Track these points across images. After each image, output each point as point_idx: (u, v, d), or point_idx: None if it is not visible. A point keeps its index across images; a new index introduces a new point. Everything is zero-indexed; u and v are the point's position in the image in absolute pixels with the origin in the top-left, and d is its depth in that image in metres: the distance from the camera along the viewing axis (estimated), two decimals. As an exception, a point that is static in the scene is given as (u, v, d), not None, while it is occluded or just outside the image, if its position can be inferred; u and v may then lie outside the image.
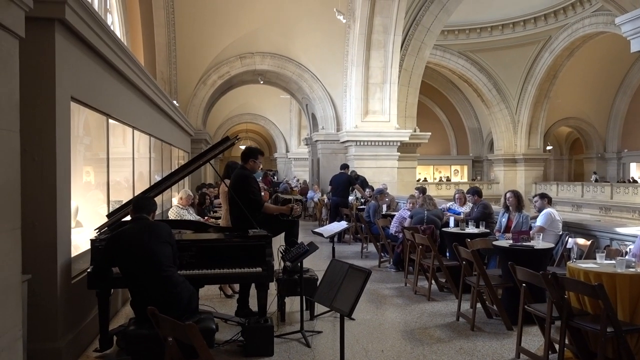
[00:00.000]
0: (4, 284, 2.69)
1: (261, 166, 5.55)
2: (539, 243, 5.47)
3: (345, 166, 12.41)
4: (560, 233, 6.19)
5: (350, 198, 12.61)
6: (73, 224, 4.73)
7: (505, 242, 5.67)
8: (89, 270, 4.20)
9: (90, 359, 4.31)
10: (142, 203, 4.04)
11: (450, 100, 32.06)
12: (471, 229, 6.94)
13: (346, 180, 11.95)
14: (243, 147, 6.09)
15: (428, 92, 29.68)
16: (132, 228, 3.83)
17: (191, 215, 7.29)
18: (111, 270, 4.03)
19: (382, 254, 8.94)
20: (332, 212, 12.11)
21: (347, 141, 15.39)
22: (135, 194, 5.67)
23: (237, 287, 6.51)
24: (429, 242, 6.45)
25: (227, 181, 6.34)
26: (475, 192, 8.00)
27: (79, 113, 5.07)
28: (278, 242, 5.03)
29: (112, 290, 4.35)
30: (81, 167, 5.71)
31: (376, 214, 9.66)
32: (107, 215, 4.85)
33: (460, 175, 33.45)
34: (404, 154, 15.41)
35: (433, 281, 6.57)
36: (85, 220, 5.39)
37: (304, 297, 5.08)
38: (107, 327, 4.31)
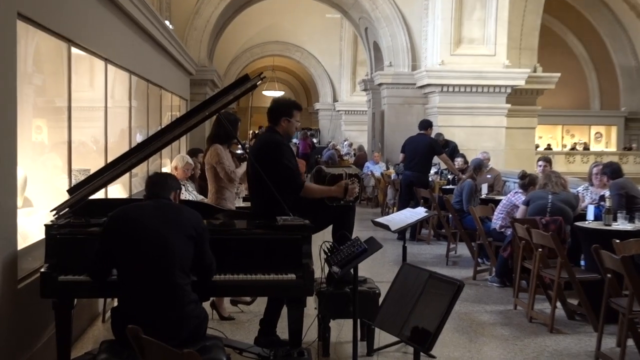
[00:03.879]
0: None
1: (298, 125, 5.51)
2: None
3: (426, 124, 12.21)
4: None
5: (432, 173, 12.52)
6: (19, 201, 4.88)
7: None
8: (42, 270, 4.31)
9: (44, 400, 4.49)
10: (159, 179, 4.20)
11: (593, 24, 31.14)
12: (621, 224, 6.78)
13: (427, 146, 11.77)
14: (267, 94, 6.05)
15: (557, 10, 28.85)
16: (146, 206, 3.99)
17: (190, 194, 7.39)
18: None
19: (480, 260, 8.92)
20: (404, 193, 12.10)
21: (428, 85, 15.32)
22: (108, 160, 5.79)
23: (229, 305, 6.60)
24: (553, 242, 6.37)
25: (219, 147, 6.34)
26: (611, 170, 7.75)
27: (27, 38, 5.18)
28: (320, 238, 5.05)
29: (75, 300, 4.48)
30: (30, 120, 5.86)
31: (472, 199, 9.58)
32: (69, 191, 4.96)
33: (604, 141, 32.63)
34: (516, 107, 15.26)
35: (559, 303, 6.51)
36: (37, 197, 5.55)
37: (358, 320, 5.10)
38: (69, 354, 4.43)
